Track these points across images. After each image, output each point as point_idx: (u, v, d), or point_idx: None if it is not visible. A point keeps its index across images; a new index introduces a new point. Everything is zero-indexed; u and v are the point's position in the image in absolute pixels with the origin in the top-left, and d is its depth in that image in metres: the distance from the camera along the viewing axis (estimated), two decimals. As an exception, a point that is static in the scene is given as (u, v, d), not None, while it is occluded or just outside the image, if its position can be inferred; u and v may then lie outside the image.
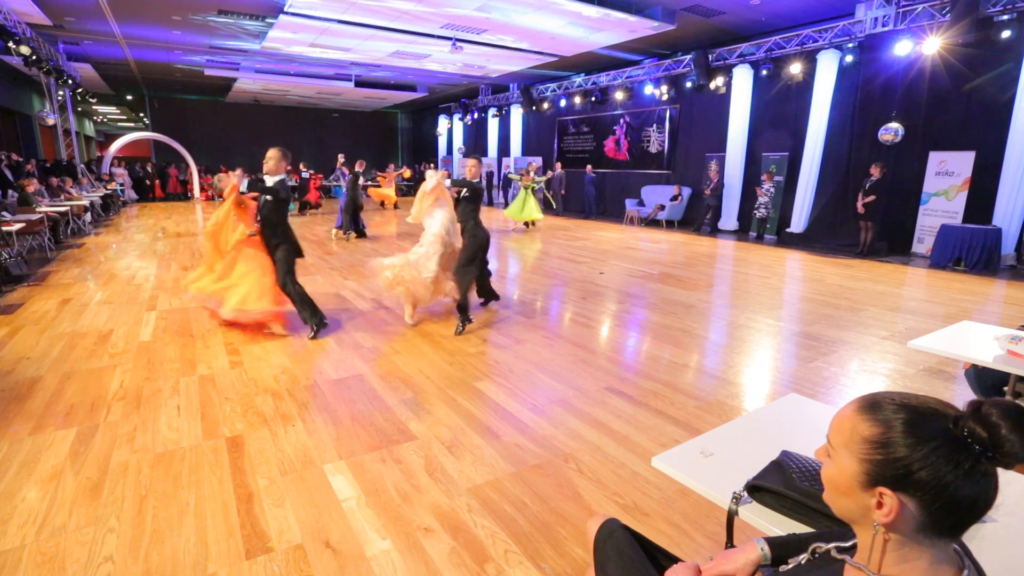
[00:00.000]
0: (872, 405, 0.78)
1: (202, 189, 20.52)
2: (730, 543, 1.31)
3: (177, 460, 2.78)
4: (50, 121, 14.03)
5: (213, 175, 21.64)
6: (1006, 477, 0.72)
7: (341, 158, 11.92)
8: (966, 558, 0.77)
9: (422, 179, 5.18)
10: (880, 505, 0.74)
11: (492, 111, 20.04)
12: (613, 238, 11.64)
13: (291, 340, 4.68)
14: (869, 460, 0.75)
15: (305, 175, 16.86)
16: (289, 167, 5.03)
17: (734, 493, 1.31)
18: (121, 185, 17.83)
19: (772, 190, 11.29)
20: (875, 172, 9.10)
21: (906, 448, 0.72)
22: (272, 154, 4.56)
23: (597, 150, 16.53)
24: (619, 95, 14.63)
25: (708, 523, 2.31)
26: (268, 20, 11.03)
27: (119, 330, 4.89)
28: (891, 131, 9.13)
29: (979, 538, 1.15)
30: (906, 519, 0.73)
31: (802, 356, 4.44)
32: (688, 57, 12.52)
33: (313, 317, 4.73)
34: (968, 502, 0.70)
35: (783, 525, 1.23)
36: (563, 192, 16.26)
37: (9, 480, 2.58)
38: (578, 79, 16.08)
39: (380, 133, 27.32)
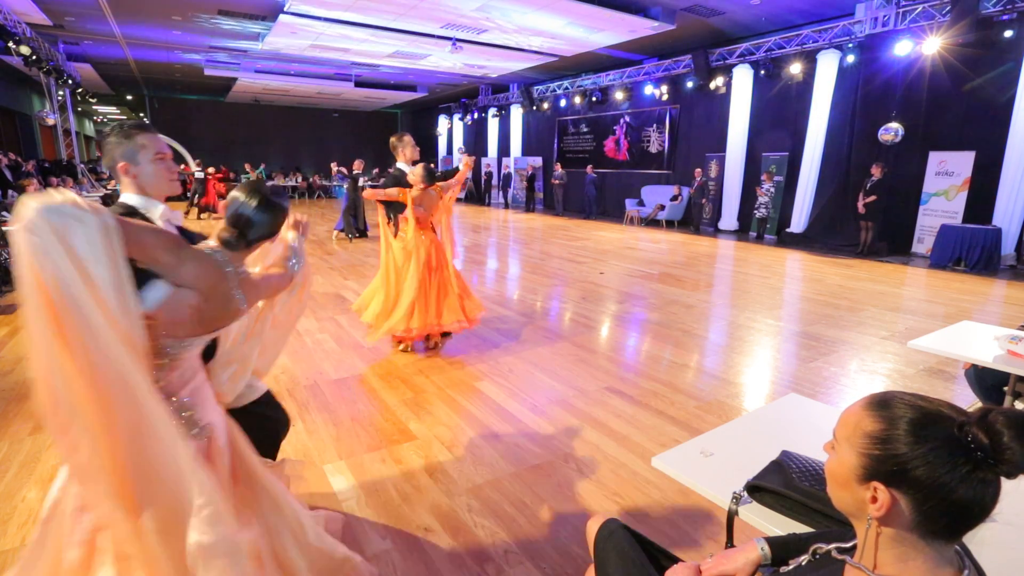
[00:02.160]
0: (881, 402, 0.78)
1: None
2: (730, 543, 1.31)
3: (177, 460, 2.77)
4: (50, 121, 14.03)
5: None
6: (1010, 485, 0.71)
7: (335, 165, 11.95)
8: (967, 559, 0.77)
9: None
10: (874, 499, 0.75)
11: (492, 111, 20.04)
12: (613, 238, 11.64)
13: (290, 340, 4.67)
14: (868, 454, 0.76)
15: (200, 174, 13.94)
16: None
17: (734, 493, 1.31)
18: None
19: (772, 190, 11.29)
20: (876, 172, 9.10)
21: (906, 446, 0.72)
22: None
23: (597, 150, 16.53)
24: (619, 95, 14.63)
25: (708, 523, 2.31)
26: (268, 21, 11.04)
27: (119, 330, 4.88)
28: (891, 131, 9.12)
29: (978, 540, 1.15)
30: (898, 516, 0.74)
31: (802, 356, 4.44)
32: (688, 57, 12.52)
33: None
34: (962, 506, 0.70)
35: (783, 525, 1.23)
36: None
37: (9, 480, 2.58)
38: (578, 79, 16.08)
39: (380, 133, 27.30)
